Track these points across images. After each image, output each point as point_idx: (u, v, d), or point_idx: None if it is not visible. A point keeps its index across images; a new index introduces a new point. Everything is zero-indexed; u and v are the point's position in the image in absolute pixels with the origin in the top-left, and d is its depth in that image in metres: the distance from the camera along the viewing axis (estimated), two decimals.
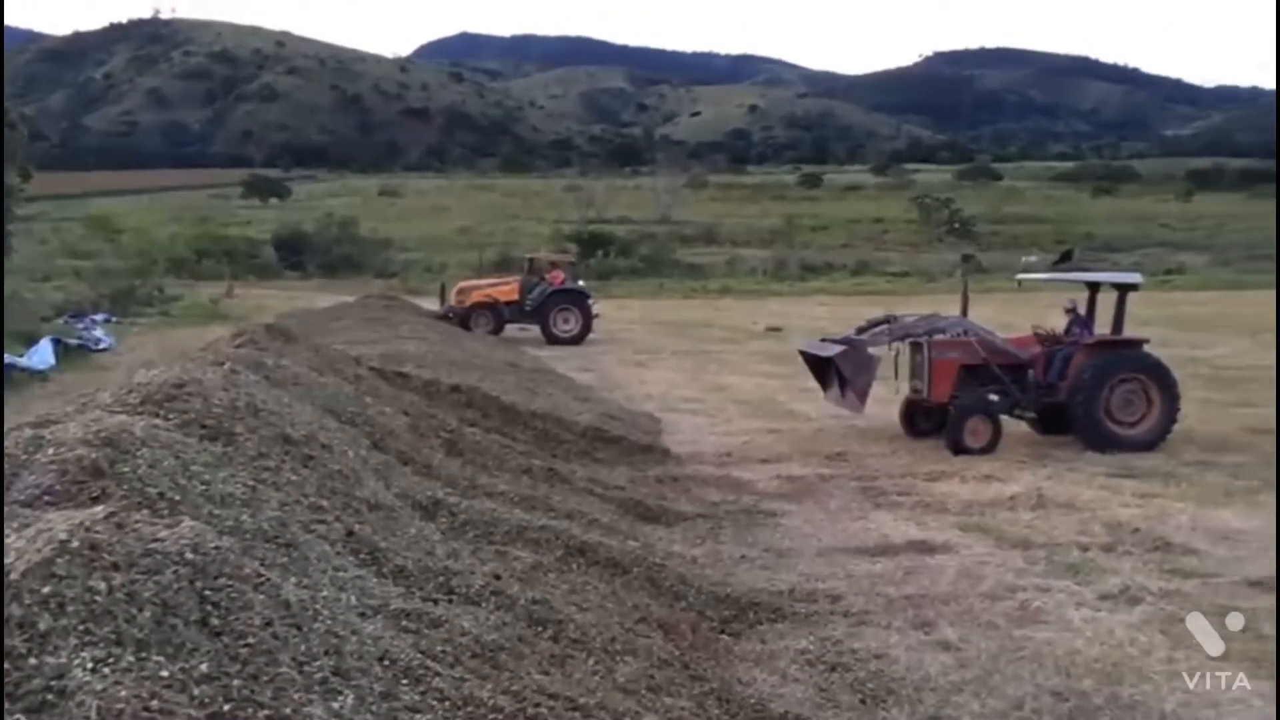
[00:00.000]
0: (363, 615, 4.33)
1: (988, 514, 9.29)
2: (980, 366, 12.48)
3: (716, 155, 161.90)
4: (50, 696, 2.81)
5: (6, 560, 3.23)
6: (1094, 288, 13.44)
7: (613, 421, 12.71)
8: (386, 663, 3.85)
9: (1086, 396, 12.01)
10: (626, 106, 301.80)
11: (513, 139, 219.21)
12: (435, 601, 5.01)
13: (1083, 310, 13.14)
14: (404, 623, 4.52)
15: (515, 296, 24.98)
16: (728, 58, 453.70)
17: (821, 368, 13.05)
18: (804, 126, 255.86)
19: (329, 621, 3.82)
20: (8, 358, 15.55)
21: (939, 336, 12.61)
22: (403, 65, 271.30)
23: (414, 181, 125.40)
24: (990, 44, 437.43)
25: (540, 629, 5.17)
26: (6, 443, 4.62)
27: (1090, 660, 6.07)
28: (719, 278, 44.17)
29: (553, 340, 23.68)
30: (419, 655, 4.10)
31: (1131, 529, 8.65)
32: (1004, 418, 12.45)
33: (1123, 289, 13.00)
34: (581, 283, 26.39)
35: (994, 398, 12.55)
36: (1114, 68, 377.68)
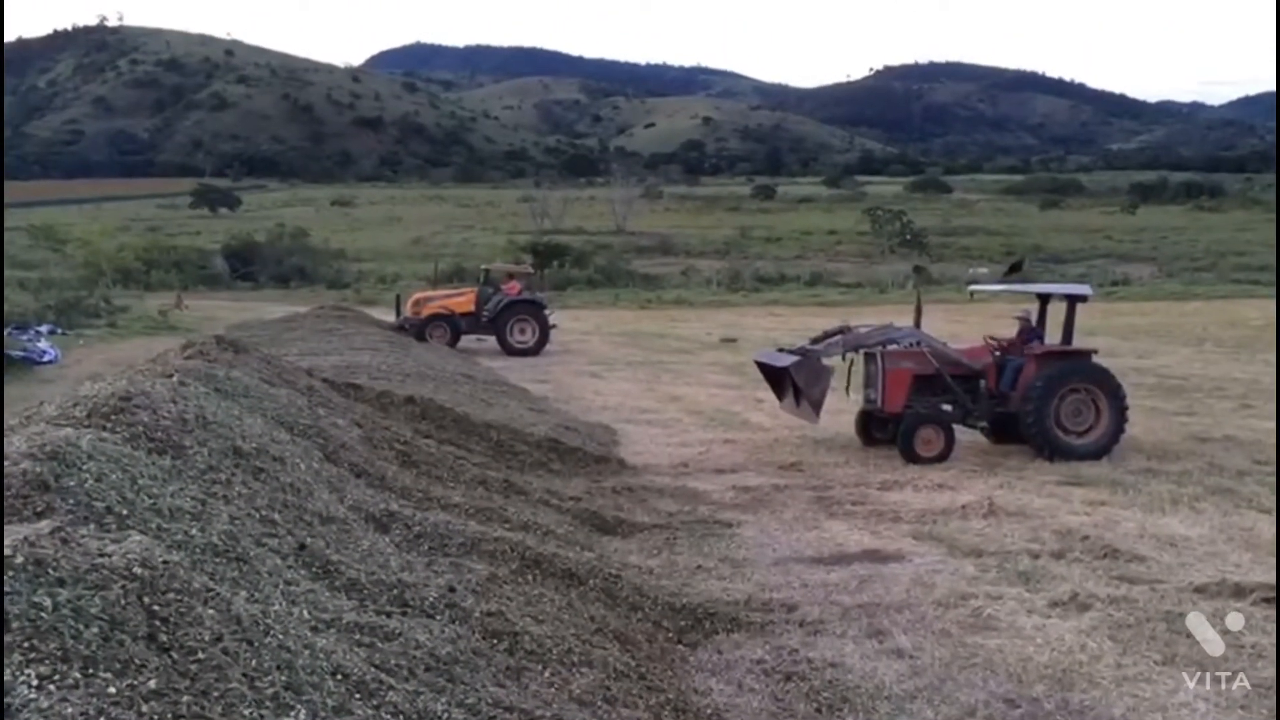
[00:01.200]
0: (315, 629, 4.29)
1: (940, 522, 9.38)
2: (933, 376, 12.64)
3: (671, 166, 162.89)
4: None
5: None
6: (1045, 299, 13.68)
7: (568, 433, 12.68)
8: (339, 677, 3.81)
9: (1037, 406, 12.21)
10: (581, 118, 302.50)
11: (466, 149, 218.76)
12: (389, 615, 4.97)
13: (1034, 321, 13.36)
14: (357, 636, 4.48)
15: (471, 308, 24.83)
16: (681, 69, 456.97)
17: (777, 378, 13.14)
18: (757, 139, 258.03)
19: (281, 636, 3.77)
20: None
21: (892, 347, 12.76)
22: (355, 75, 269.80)
23: (367, 191, 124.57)
24: (939, 58, 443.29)
25: (496, 641, 5.14)
26: None
27: (1041, 666, 6.15)
28: (674, 289, 44.26)
29: (510, 351, 23.58)
30: (373, 669, 4.07)
31: (1081, 536, 8.79)
32: (957, 427, 12.62)
33: (1072, 300, 13.24)
34: (539, 294, 26.32)
35: (947, 407, 12.72)
36: (1060, 82, 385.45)
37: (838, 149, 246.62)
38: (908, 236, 59.04)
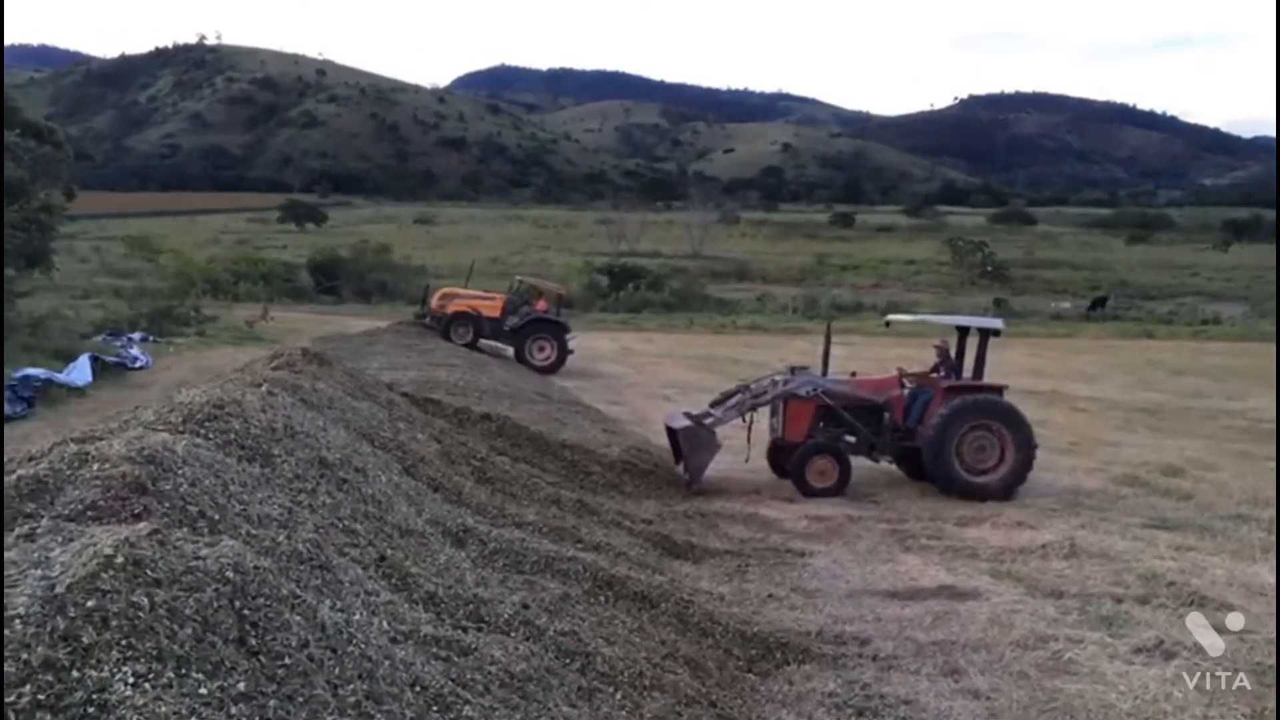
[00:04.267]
0: (394, 640, 4.35)
1: (1019, 561, 9.18)
2: (832, 410, 12.44)
3: (749, 192, 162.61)
4: (92, 710, 2.84)
5: (52, 573, 3.28)
6: (963, 331, 13.32)
7: (641, 455, 12.70)
8: (418, 689, 3.86)
9: (936, 440, 11.87)
10: (661, 142, 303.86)
11: (547, 171, 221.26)
12: (465, 629, 5.02)
13: (953, 352, 13.02)
14: (434, 649, 4.53)
15: (497, 313, 25.08)
16: (762, 95, 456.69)
17: (674, 439, 12.95)
18: (837, 166, 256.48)
19: (362, 645, 3.84)
20: (47, 372, 15.78)
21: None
22: (441, 95, 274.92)
23: (448, 210, 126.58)
24: (1027, 88, 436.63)
25: (568, 661, 5.16)
26: (51, 457, 4.69)
27: (1123, 714, 5.98)
28: (749, 314, 44.15)
29: (528, 365, 23.72)
30: (449, 683, 4.11)
31: (1167, 581, 8.52)
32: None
33: (985, 334, 12.88)
34: (565, 317, 26.44)
35: (850, 439, 12.47)
36: (1151, 115, 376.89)
37: (919, 178, 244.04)
38: (989, 268, 58.10)
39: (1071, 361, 28.87)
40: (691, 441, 11.98)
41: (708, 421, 12.29)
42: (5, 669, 2.90)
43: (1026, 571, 8.86)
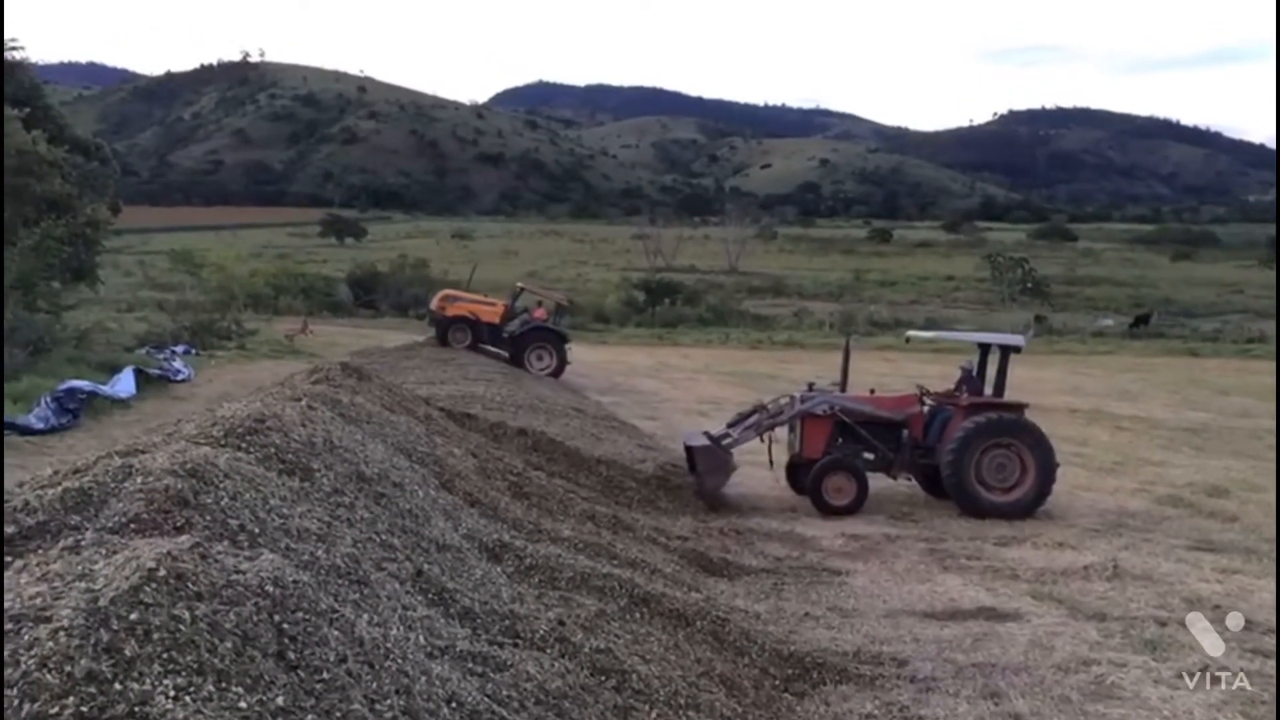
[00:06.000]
0: (431, 655, 4.36)
1: (1061, 583, 9.05)
2: (850, 426, 12.34)
3: (786, 207, 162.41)
4: None
5: (95, 585, 3.32)
6: (985, 348, 13.14)
7: (676, 471, 12.66)
8: (454, 705, 3.87)
9: (955, 459, 11.73)
10: (698, 157, 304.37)
11: (584, 186, 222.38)
12: (501, 645, 5.02)
13: (975, 371, 12.90)
14: (470, 665, 4.54)
15: (496, 319, 25.15)
16: (800, 111, 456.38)
17: (690, 456, 12.87)
18: (875, 181, 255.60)
19: (400, 661, 3.85)
20: (92, 384, 16.02)
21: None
22: (479, 112, 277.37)
23: (485, 225, 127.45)
24: (1068, 103, 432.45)
25: (604, 678, 5.15)
26: (96, 470, 4.75)
27: None
28: (785, 330, 43.98)
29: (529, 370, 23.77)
30: (485, 699, 4.11)
31: (1212, 605, 8.35)
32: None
33: (1006, 351, 12.71)
34: (564, 326, 26.52)
35: (868, 455, 12.36)
36: (1195, 130, 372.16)
37: (958, 194, 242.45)
38: (1029, 284, 57.44)
39: (1114, 380, 28.48)
40: (708, 462, 11.92)
41: (725, 442, 12.24)
42: (49, 679, 2.94)
43: (1068, 593, 8.73)
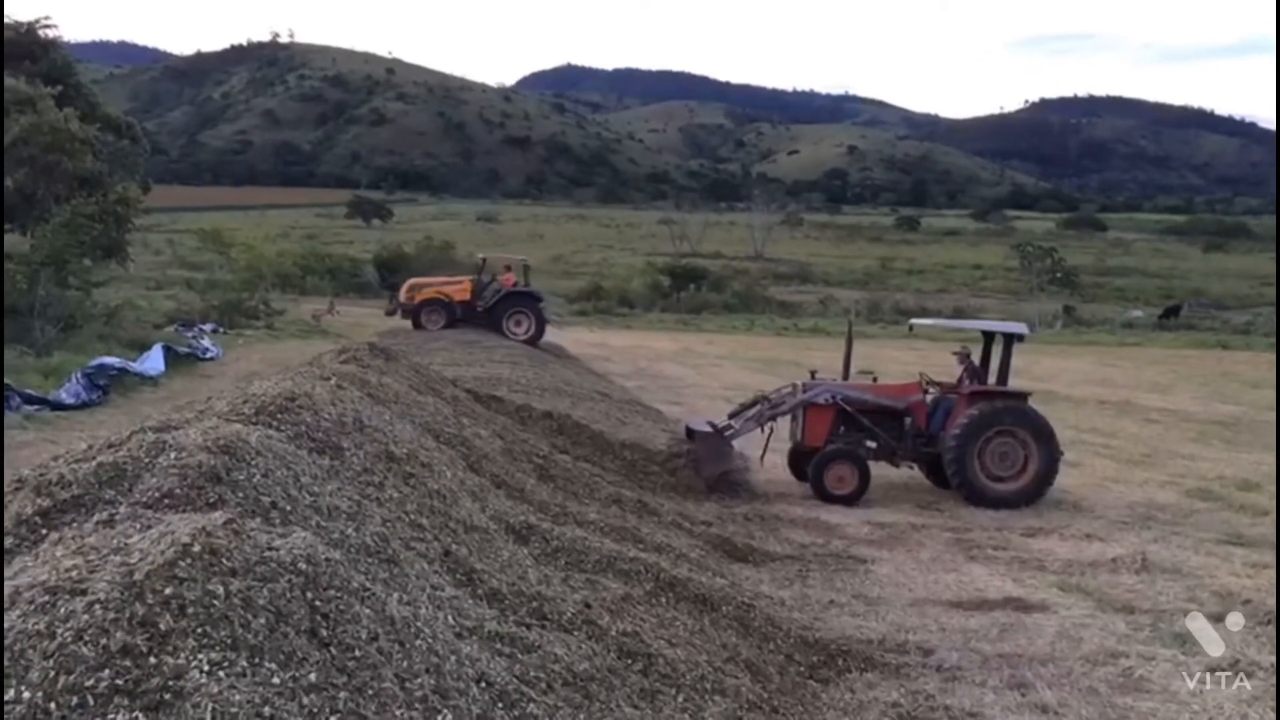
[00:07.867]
0: (459, 635, 4.37)
1: (1088, 574, 8.98)
2: (852, 415, 12.27)
3: (813, 194, 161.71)
4: (168, 696, 2.88)
5: (130, 560, 3.35)
6: (988, 336, 13.01)
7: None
8: (483, 685, 3.88)
9: (958, 447, 11.66)
10: (725, 143, 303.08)
11: (610, 170, 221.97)
12: (528, 626, 5.03)
13: (976, 359, 12.76)
14: (498, 646, 4.55)
15: (467, 296, 25.24)
16: (828, 97, 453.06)
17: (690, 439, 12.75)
18: (903, 169, 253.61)
19: (429, 640, 3.86)
20: (122, 361, 16.18)
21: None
22: (507, 95, 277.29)
23: (512, 208, 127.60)
24: (1100, 92, 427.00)
25: (630, 661, 5.15)
26: (130, 445, 4.79)
27: None
28: (811, 317, 43.85)
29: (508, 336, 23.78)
30: (514, 680, 4.12)
31: (1243, 599, 8.26)
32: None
33: (1009, 339, 12.58)
34: (534, 287, 26.53)
35: (871, 444, 12.26)
36: (1229, 120, 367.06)
37: (987, 182, 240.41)
38: (1058, 274, 56.96)
39: (1144, 372, 28.24)
40: (707, 449, 11.86)
41: (728, 434, 12.19)
42: (84, 652, 2.96)
43: (1096, 585, 8.67)
